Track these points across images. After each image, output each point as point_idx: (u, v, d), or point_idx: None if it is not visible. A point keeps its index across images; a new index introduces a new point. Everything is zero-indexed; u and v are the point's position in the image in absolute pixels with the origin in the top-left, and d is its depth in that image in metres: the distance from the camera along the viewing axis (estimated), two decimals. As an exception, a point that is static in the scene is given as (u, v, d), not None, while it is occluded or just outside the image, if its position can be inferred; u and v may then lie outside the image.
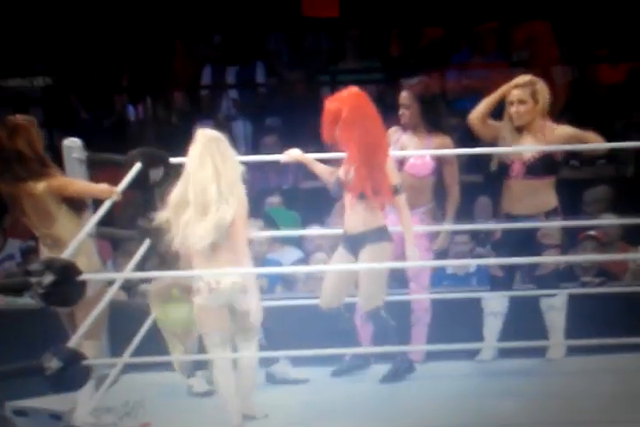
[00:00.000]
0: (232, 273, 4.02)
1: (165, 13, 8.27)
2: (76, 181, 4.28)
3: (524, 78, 4.58)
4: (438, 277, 5.23)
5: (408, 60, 7.86)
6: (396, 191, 4.43)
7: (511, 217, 4.72)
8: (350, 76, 8.01)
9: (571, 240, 5.44)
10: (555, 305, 4.68)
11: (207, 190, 4.04)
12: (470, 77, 7.57)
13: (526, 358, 4.63)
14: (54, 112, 8.12)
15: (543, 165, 4.64)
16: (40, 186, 4.07)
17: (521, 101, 4.57)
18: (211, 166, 4.05)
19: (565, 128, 4.67)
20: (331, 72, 8.09)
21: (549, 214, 4.68)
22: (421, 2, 7.98)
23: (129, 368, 4.55)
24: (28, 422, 4.05)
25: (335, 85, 8.10)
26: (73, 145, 4.77)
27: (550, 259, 4.63)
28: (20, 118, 4.14)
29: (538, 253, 4.64)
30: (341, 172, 4.53)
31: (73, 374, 3.82)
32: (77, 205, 4.20)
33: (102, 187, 4.24)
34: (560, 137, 4.63)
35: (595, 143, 4.62)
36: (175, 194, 4.09)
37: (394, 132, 4.97)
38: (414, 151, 4.83)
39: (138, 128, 8.14)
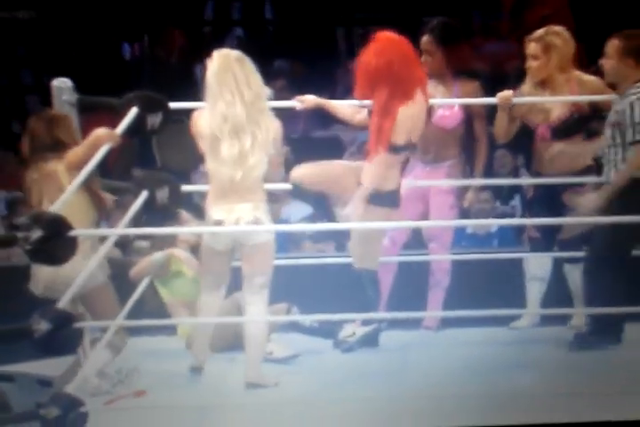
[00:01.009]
0: (242, 210, 4.12)
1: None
2: (78, 147, 4.22)
3: (538, 31, 4.54)
4: (457, 238, 5.20)
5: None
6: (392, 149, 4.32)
7: (543, 175, 4.70)
8: (366, 14, 7.92)
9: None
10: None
11: (236, 116, 4.12)
12: (497, 20, 7.53)
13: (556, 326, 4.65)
14: (41, 49, 8.03)
15: (571, 126, 4.62)
16: (59, 166, 4.15)
17: (534, 56, 4.54)
18: (234, 86, 4.12)
19: (593, 81, 4.61)
20: (347, 10, 7.99)
21: (581, 173, 4.64)
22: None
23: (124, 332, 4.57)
24: (15, 388, 4.07)
25: (351, 24, 8.03)
26: (63, 86, 4.73)
27: (581, 220, 4.60)
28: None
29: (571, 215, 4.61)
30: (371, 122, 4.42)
31: (63, 338, 3.82)
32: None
33: (97, 132, 4.21)
34: (588, 90, 4.59)
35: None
36: (204, 126, 4.15)
37: None
38: (441, 100, 4.75)
39: (134, 69, 8.08)
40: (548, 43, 4.50)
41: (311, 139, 7.22)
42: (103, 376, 4.16)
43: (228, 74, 4.16)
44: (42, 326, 3.78)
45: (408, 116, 4.26)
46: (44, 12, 8.11)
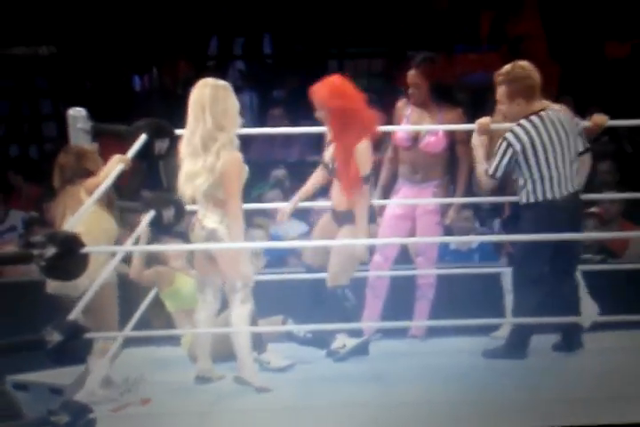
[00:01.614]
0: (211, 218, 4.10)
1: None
2: (99, 176, 4.20)
3: (505, 67, 4.47)
4: (441, 253, 5.11)
5: (415, 32, 7.73)
6: (365, 180, 4.34)
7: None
8: (357, 49, 7.88)
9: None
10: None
11: (193, 139, 4.11)
12: (477, 52, 7.49)
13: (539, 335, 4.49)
14: (59, 81, 7.98)
15: None
16: (82, 188, 4.15)
17: (499, 101, 4.47)
18: (200, 113, 4.08)
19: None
20: (338, 45, 7.95)
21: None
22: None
23: (130, 342, 4.45)
24: (28, 396, 3.96)
25: (342, 58, 7.98)
26: (78, 115, 4.71)
27: (552, 236, 4.48)
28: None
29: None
30: (327, 151, 4.49)
31: (74, 348, 3.72)
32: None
33: (113, 158, 4.20)
34: None
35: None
36: (181, 144, 4.16)
37: (403, 106, 4.82)
38: (425, 126, 4.69)
39: (143, 99, 8.00)
40: (514, 77, 4.41)
41: (306, 162, 7.11)
42: (110, 385, 4.02)
43: (198, 101, 4.10)
44: (54, 337, 3.67)
45: (366, 150, 4.29)
46: (63, 48, 8.07)
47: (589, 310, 4.57)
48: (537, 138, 4.31)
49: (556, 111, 4.39)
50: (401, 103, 4.83)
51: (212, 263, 4.17)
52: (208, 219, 4.13)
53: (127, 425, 3.80)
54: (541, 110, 4.36)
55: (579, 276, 4.57)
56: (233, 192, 4.07)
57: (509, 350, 4.35)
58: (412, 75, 4.74)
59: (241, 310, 4.07)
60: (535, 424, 3.61)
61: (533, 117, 4.34)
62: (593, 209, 5.56)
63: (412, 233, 4.75)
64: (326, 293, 4.42)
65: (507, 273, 4.62)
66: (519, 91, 4.33)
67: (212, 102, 4.07)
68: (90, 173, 4.16)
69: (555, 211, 4.28)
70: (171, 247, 4.74)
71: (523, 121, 4.35)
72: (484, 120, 4.48)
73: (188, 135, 4.13)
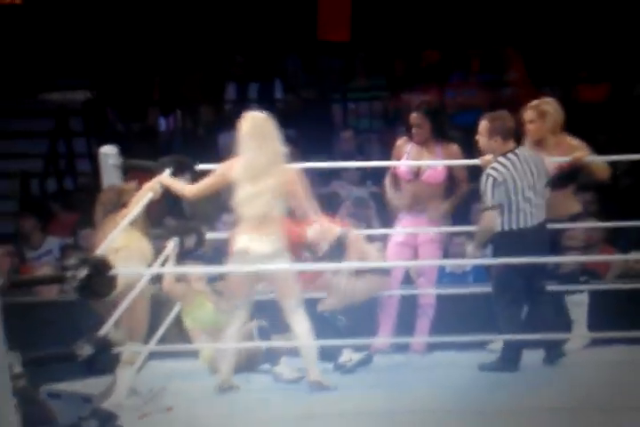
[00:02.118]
0: (263, 242, 4.13)
1: (193, 36, 8.23)
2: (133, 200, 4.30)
3: (534, 102, 4.62)
4: (439, 276, 5.09)
5: (410, 79, 7.78)
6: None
7: None
8: (359, 93, 7.96)
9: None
10: (577, 301, 4.60)
11: (255, 163, 4.17)
12: (465, 95, 7.50)
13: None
14: (92, 123, 8.05)
15: (564, 179, 4.57)
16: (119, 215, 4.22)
17: (530, 121, 4.60)
18: (261, 141, 4.20)
19: (580, 145, 4.58)
20: (341, 90, 8.00)
21: (572, 219, 4.60)
22: (420, 28, 7.89)
23: (154, 356, 4.40)
24: (62, 404, 3.92)
25: (345, 101, 8.07)
26: (109, 152, 4.75)
27: (546, 259, 4.48)
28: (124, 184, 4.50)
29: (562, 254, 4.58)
30: None
31: (103, 361, 3.72)
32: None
33: (147, 185, 4.32)
34: (575, 152, 4.56)
35: (597, 169, 4.60)
36: (232, 171, 4.19)
37: (403, 144, 4.86)
38: (424, 162, 4.75)
39: (168, 138, 8.06)
40: (542, 110, 4.55)
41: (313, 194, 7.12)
42: (136, 394, 3.98)
43: (257, 130, 4.20)
44: (85, 350, 3.66)
45: None
46: (97, 93, 8.18)
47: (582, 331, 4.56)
48: (515, 173, 4.34)
49: (527, 150, 4.44)
50: (401, 141, 4.87)
51: (256, 285, 4.18)
52: (259, 243, 4.11)
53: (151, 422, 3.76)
54: (515, 148, 4.40)
55: (586, 300, 4.56)
56: (304, 195, 4.17)
57: (503, 363, 4.32)
58: (414, 117, 4.79)
59: (305, 326, 4.12)
60: None
61: (510, 155, 4.38)
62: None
63: (415, 259, 4.79)
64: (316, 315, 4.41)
65: None
66: (498, 129, 4.38)
67: (269, 131, 4.21)
68: (127, 206, 4.22)
69: (526, 238, 4.32)
70: (202, 269, 4.65)
71: (501, 158, 4.38)
72: (487, 157, 4.51)
73: (249, 161, 4.15)
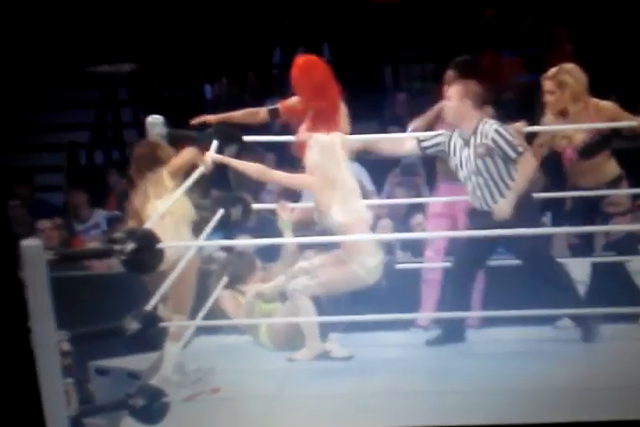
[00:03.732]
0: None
1: (241, 5, 8.10)
2: (174, 159, 4.18)
3: (551, 70, 4.34)
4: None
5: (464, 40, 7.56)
6: None
7: (578, 188, 4.40)
8: (408, 54, 7.77)
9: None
10: (637, 269, 4.37)
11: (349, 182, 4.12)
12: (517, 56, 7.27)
13: (613, 324, 4.23)
14: (139, 92, 8.02)
15: (594, 146, 4.33)
16: (163, 172, 4.11)
17: (549, 92, 4.33)
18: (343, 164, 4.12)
19: (608, 106, 4.34)
20: (392, 53, 7.80)
21: (612, 184, 4.36)
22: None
23: (201, 331, 4.34)
24: (109, 380, 3.92)
25: (396, 65, 7.87)
26: (155, 122, 4.64)
27: (601, 228, 4.30)
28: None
29: (607, 222, 4.33)
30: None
31: (150, 336, 3.66)
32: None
33: (191, 151, 4.19)
34: (604, 115, 4.32)
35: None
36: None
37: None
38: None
39: (214, 106, 7.98)
40: (560, 80, 4.29)
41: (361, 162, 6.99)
42: (183, 371, 3.92)
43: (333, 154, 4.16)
44: (133, 325, 3.62)
45: None
46: (143, 64, 8.13)
47: None
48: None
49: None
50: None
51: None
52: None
53: (198, 409, 3.68)
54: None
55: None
56: None
57: (448, 336, 4.21)
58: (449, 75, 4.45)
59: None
60: (545, 412, 3.41)
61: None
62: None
63: (453, 229, 4.50)
64: None
65: (570, 264, 4.33)
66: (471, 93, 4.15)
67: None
68: (161, 162, 4.10)
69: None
70: (251, 241, 4.56)
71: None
72: (519, 125, 4.27)
73: (345, 178, 4.16)
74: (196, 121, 4.57)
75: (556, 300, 4.05)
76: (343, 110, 4.46)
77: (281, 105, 4.56)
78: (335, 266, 4.08)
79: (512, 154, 4.11)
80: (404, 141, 4.33)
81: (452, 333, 4.26)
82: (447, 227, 4.53)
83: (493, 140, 4.12)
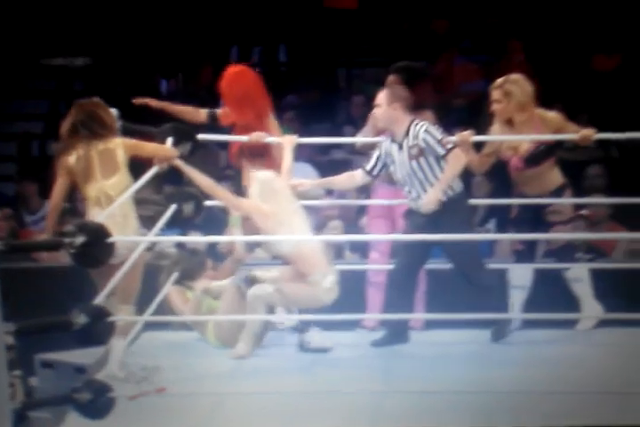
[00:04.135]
0: None
1: (198, 2, 7.99)
2: (147, 143, 4.12)
3: (498, 80, 4.39)
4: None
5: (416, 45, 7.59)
6: None
7: (524, 196, 4.44)
8: (363, 58, 7.77)
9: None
10: (574, 276, 4.41)
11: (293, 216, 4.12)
12: (473, 63, 7.33)
13: (551, 329, 4.28)
14: (94, 85, 7.88)
15: (539, 155, 4.36)
16: (116, 141, 4.01)
17: (496, 101, 4.37)
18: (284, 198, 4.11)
19: (553, 117, 4.38)
20: (346, 55, 7.80)
21: (556, 193, 4.40)
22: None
23: (148, 327, 4.28)
24: (54, 373, 3.82)
25: (350, 67, 7.86)
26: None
27: (540, 236, 4.35)
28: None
29: (550, 230, 4.38)
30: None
31: (98, 330, 3.57)
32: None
33: (167, 149, 4.14)
34: (549, 125, 4.36)
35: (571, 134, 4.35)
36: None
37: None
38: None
39: (169, 101, 7.87)
40: (506, 90, 4.32)
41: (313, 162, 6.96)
42: (129, 372, 3.84)
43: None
44: (80, 319, 3.53)
45: None
46: (97, 58, 7.99)
47: (591, 310, 4.39)
48: None
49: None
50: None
51: None
52: None
53: (144, 405, 3.61)
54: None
55: (585, 275, 4.38)
56: None
57: (392, 337, 4.22)
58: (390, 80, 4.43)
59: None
60: (531, 413, 3.42)
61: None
62: (583, 212, 5.42)
63: (393, 231, 4.51)
64: None
65: (513, 269, 4.43)
66: (398, 96, 4.17)
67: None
68: (107, 126, 3.97)
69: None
70: (199, 238, 4.53)
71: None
72: (465, 134, 4.30)
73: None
74: (137, 101, 4.49)
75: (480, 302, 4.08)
76: (271, 122, 4.44)
77: (221, 110, 4.52)
78: (294, 282, 4.05)
79: (441, 151, 4.14)
80: (353, 177, 4.33)
81: (395, 334, 4.26)
82: (387, 229, 4.53)
83: (424, 140, 4.14)
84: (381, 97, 4.19)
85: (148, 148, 4.07)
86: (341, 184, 4.45)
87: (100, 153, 3.96)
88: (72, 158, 3.99)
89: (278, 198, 4.07)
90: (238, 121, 4.42)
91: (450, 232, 4.05)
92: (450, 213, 4.11)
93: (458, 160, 4.13)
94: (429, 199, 4.12)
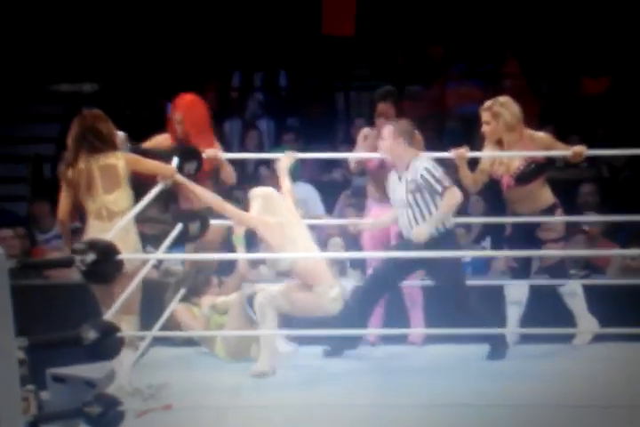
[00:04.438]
0: None
1: (199, 25, 8.11)
2: (148, 160, 4.15)
3: (487, 103, 4.48)
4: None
5: (412, 70, 7.66)
6: None
7: (517, 215, 4.50)
8: (360, 83, 7.87)
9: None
10: (568, 292, 4.46)
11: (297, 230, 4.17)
12: (467, 86, 7.38)
13: (547, 344, 4.32)
14: (103, 109, 7.95)
15: (529, 173, 4.44)
16: (117, 155, 4.01)
17: (486, 122, 4.46)
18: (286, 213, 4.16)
19: (542, 137, 4.46)
20: (344, 79, 7.89)
21: (547, 211, 4.46)
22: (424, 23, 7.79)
23: (156, 342, 4.31)
24: (65, 388, 3.84)
25: (347, 91, 7.97)
26: (119, 137, 4.61)
27: (534, 253, 4.41)
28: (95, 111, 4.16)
29: (542, 247, 4.43)
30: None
31: (107, 345, 3.60)
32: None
33: (169, 166, 4.17)
34: (538, 145, 4.43)
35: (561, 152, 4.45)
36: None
37: (369, 134, 4.63)
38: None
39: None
40: (494, 111, 4.41)
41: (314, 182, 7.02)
42: (136, 389, 3.85)
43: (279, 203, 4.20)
44: (90, 334, 3.56)
45: None
46: (105, 85, 8.06)
47: (587, 325, 4.43)
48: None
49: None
50: (367, 131, 4.65)
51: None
52: None
53: (153, 420, 3.63)
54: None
55: (580, 291, 4.42)
56: None
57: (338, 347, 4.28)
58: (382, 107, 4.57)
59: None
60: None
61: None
62: (584, 227, 5.49)
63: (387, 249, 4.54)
64: None
65: (509, 286, 4.47)
66: (403, 132, 4.29)
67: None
68: (107, 141, 3.98)
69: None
70: (208, 256, 4.51)
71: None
72: (460, 150, 4.41)
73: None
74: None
75: (466, 323, 4.11)
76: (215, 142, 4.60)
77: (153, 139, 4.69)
78: (301, 291, 4.08)
79: (438, 188, 4.23)
80: (385, 218, 4.46)
81: (343, 345, 4.30)
82: (382, 247, 4.59)
83: (422, 177, 4.25)
84: (387, 132, 4.30)
85: (148, 164, 4.10)
86: (380, 226, 4.55)
87: (101, 167, 3.98)
88: (74, 171, 4.01)
89: (281, 211, 4.10)
90: (196, 142, 4.53)
91: (436, 266, 4.15)
92: (438, 248, 4.17)
93: (453, 198, 4.22)
94: (420, 232, 4.20)
